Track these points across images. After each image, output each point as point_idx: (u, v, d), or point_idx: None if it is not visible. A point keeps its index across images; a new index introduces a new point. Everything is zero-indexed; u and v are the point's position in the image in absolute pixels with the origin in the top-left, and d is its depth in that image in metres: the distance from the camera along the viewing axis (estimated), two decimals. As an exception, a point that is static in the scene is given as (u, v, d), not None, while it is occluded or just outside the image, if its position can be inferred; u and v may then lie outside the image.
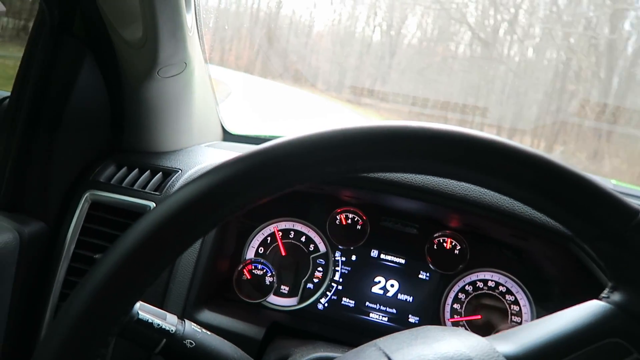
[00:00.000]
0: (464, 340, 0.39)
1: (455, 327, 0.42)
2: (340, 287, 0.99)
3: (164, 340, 0.59)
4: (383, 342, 0.41)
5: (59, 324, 0.33)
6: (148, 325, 0.59)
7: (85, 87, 0.88)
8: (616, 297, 0.40)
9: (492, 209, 0.83)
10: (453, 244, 0.97)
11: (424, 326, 0.42)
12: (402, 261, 0.98)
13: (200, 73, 1.00)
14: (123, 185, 0.93)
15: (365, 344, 0.41)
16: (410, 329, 0.42)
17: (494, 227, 0.91)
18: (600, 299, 0.41)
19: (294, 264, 1.00)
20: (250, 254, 1.00)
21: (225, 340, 0.65)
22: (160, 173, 0.96)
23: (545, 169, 0.36)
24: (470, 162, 0.35)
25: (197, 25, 0.96)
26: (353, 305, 0.98)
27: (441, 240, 0.97)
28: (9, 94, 0.93)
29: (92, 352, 0.33)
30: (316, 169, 0.36)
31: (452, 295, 0.96)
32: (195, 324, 0.63)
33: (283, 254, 1.00)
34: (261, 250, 1.00)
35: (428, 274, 0.98)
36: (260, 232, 1.01)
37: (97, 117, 0.94)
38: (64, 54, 0.84)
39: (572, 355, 0.37)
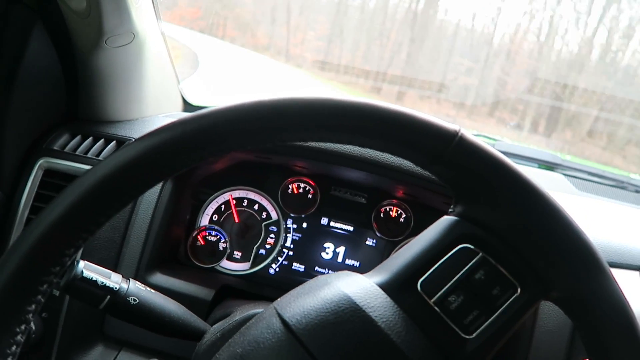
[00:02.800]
0: (342, 281, 0.44)
1: (340, 272, 0.47)
2: (291, 253, 1.03)
3: (108, 297, 0.63)
4: (278, 301, 0.45)
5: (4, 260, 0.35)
6: (92, 282, 0.62)
7: (36, 55, 0.88)
8: (458, 209, 0.45)
9: (424, 177, 0.88)
10: (398, 212, 1.02)
11: (315, 277, 0.47)
12: (351, 228, 1.03)
13: (154, 44, 1.01)
14: (77, 153, 0.95)
15: (267, 306, 0.46)
16: (304, 283, 0.46)
17: (431, 196, 0.96)
18: (448, 214, 0.46)
19: (246, 230, 1.04)
20: (204, 221, 1.04)
21: (170, 298, 0.69)
22: (114, 141, 0.98)
23: (370, 114, 0.39)
24: (309, 123, 0.39)
25: (151, -4, 0.97)
26: (303, 269, 1.03)
27: (387, 209, 1.02)
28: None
29: (32, 292, 0.35)
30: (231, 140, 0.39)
31: (395, 260, 1.01)
32: (139, 283, 0.67)
33: (237, 221, 1.04)
34: (215, 217, 1.04)
35: (374, 241, 1.03)
36: (215, 200, 1.04)
37: (49, 85, 0.95)
38: (13, 23, 0.84)
39: (432, 267, 0.43)
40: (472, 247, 0.43)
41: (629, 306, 0.40)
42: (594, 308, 0.40)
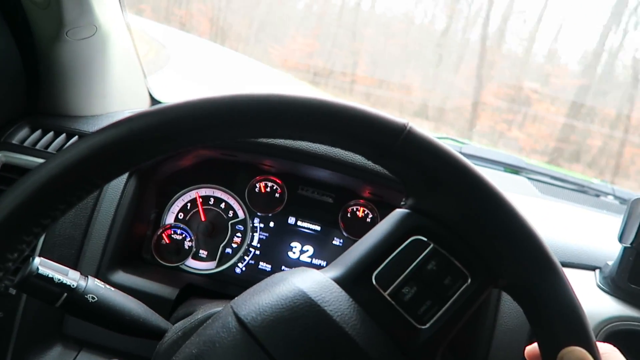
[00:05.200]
0: (298, 277, 0.44)
1: (297, 268, 0.47)
2: (257, 252, 1.03)
3: (65, 294, 0.61)
4: (235, 300, 0.45)
5: None
6: (48, 279, 0.61)
7: (-6, 46, 0.86)
8: (410, 201, 0.46)
9: (389, 177, 0.89)
10: (365, 212, 1.03)
11: (272, 275, 0.47)
12: (318, 228, 1.04)
13: (118, 38, 0.99)
14: (37, 147, 0.93)
15: (225, 305, 0.45)
16: (261, 281, 0.46)
17: (397, 195, 0.97)
18: (400, 207, 0.47)
19: (213, 229, 1.03)
20: (170, 219, 1.02)
21: (130, 296, 0.67)
22: (76, 137, 0.95)
23: (319, 109, 0.40)
24: (261, 121, 0.39)
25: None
26: (270, 269, 1.03)
27: (354, 209, 1.03)
28: None
29: None
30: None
31: (362, 260, 1.02)
32: (99, 281, 0.65)
33: (203, 219, 1.03)
34: (181, 215, 1.03)
35: (341, 240, 1.03)
36: (181, 199, 1.03)
37: (8, 78, 0.92)
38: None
39: (386, 260, 0.44)
40: (423, 238, 0.44)
41: (572, 289, 0.41)
42: (539, 293, 0.41)
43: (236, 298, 0.46)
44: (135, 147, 0.37)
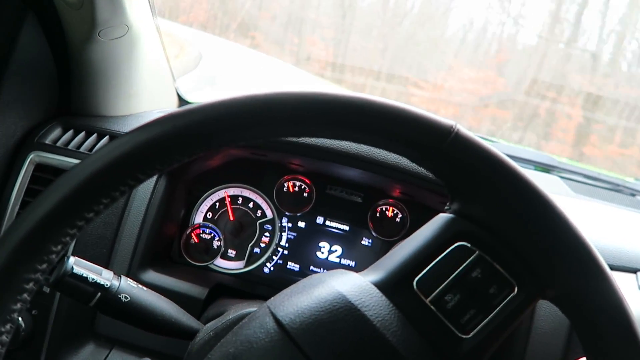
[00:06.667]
0: (337, 280, 0.43)
1: (334, 270, 0.46)
2: (286, 252, 1.02)
3: (99, 294, 0.62)
4: (272, 300, 0.44)
5: None
6: (82, 279, 0.61)
7: (27, 48, 0.87)
8: (454, 206, 0.44)
9: (421, 176, 0.87)
10: (394, 212, 1.01)
11: (310, 276, 0.46)
12: (346, 228, 1.03)
13: (148, 39, 1.00)
14: (69, 147, 0.94)
15: (261, 305, 0.45)
16: (298, 282, 0.46)
17: (428, 195, 0.95)
18: (444, 212, 0.45)
19: (241, 229, 1.02)
20: (198, 218, 1.02)
21: (162, 296, 0.67)
22: (107, 136, 0.96)
23: (364, 108, 0.38)
24: (302, 119, 0.38)
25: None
26: (298, 269, 1.02)
27: (383, 209, 1.01)
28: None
29: (17, 290, 0.34)
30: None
31: (391, 260, 1.01)
32: (131, 280, 0.66)
33: (231, 219, 1.03)
34: (209, 215, 1.03)
35: (370, 241, 1.02)
36: (209, 198, 1.03)
37: (41, 78, 0.94)
38: (4, 14, 0.83)
39: (428, 266, 0.42)
40: (468, 245, 0.42)
41: (626, 303, 0.39)
42: (591, 305, 0.40)
43: (272, 298, 0.45)
44: (178, 144, 0.37)
